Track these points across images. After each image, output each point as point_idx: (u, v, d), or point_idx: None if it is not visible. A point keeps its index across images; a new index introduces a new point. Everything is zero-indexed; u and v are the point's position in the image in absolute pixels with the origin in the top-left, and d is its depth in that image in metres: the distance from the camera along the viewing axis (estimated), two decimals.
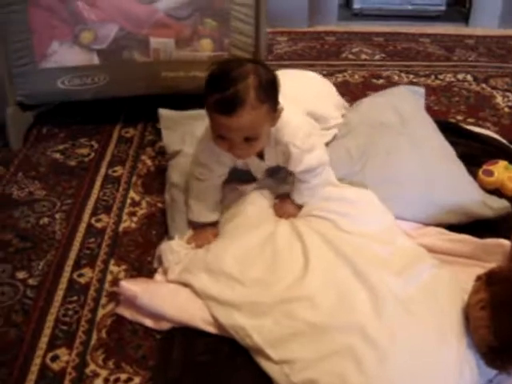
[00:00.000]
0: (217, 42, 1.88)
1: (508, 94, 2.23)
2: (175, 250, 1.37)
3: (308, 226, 1.37)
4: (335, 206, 1.41)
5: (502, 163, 1.71)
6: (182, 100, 1.75)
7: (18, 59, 1.81)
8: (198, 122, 1.59)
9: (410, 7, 2.92)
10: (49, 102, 1.97)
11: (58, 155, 1.88)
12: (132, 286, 1.28)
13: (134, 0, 1.81)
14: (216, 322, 1.22)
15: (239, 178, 1.51)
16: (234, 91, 1.17)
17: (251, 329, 1.16)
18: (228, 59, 1.47)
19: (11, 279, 1.41)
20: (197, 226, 1.45)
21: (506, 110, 2.12)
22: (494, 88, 2.28)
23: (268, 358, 1.13)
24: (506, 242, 1.34)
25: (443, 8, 2.93)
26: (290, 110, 1.34)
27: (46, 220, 1.59)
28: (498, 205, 1.46)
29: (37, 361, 1.21)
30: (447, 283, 1.23)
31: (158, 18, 1.82)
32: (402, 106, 1.71)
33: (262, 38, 1.86)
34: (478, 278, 1.17)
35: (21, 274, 1.42)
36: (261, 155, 1.40)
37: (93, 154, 1.88)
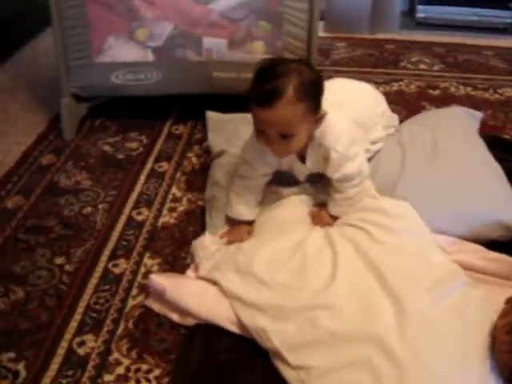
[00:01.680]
0: (269, 45, 1.89)
1: None
2: (206, 245, 1.39)
3: (341, 234, 1.36)
4: (371, 217, 1.39)
5: None
6: (232, 101, 1.77)
7: (74, 52, 1.87)
8: (243, 125, 1.61)
9: (475, 18, 2.84)
10: (102, 96, 2.02)
11: (107, 147, 1.93)
12: (161, 280, 1.30)
13: (190, 0, 1.83)
14: (239, 322, 1.22)
15: (282, 182, 1.51)
16: (273, 85, 1.20)
17: (272, 332, 1.16)
18: (274, 58, 1.48)
19: (49, 264, 1.45)
20: (233, 223, 1.46)
21: None
22: None
23: (286, 362, 1.13)
24: None
25: (510, 21, 2.84)
26: (335, 116, 1.34)
27: (88, 210, 1.64)
28: None
29: (64, 344, 1.25)
30: (478, 303, 1.19)
31: (212, 19, 1.84)
32: (454, 129, 1.68)
33: (314, 43, 1.85)
34: (508, 301, 1.13)
35: (59, 260, 1.47)
36: (303, 159, 1.40)
37: (141, 149, 1.92)
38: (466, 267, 1.32)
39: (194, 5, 1.84)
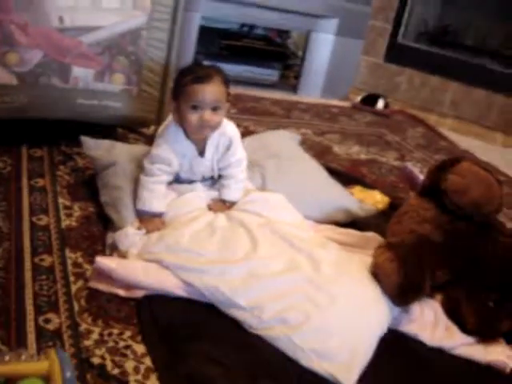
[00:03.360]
0: (128, 77, 2.16)
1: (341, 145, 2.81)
2: (130, 234, 1.60)
3: (240, 216, 1.70)
4: (258, 205, 1.76)
5: (357, 187, 2.23)
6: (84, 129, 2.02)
7: None
8: (118, 145, 1.92)
9: (249, 75, 3.45)
10: None
11: None
12: (107, 261, 1.48)
13: (61, 32, 2.02)
14: (186, 287, 1.46)
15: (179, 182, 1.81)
16: (208, 70, 1.67)
17: (222, 286, 1.43)
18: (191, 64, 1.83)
19: None
20: (145, 216, 1.69)
21: (344, 156, 2.69)
22: (330, 140, 2.85)
23: (239, 307, 1.41)
24: (377, 235, 1.82)
25: (275, 78, 3.51)
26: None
27: None
28: (367, 208, 1.96)
29: (30, 324, 1.33)
30: (350, 256, 1.65)
31: (82, 50, 2.05)
32: (287, 143, 2.17)
33: (169, 77, 2.18)
34: (379, 247, 1.61)
35: None
36: (202, 154, 1.75)
37: (9, 168, 1.99)
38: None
39: (64, 36, 2.03)
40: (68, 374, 0.95)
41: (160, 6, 2.14)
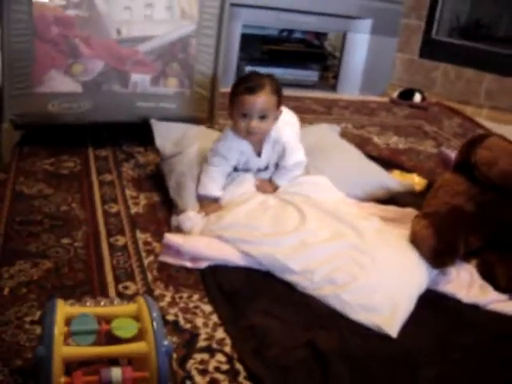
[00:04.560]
0: (180, 81, 2.38)
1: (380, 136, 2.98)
2: (192, 217, 1.80)
3: (289, 197, 1.89)
4: (304, 187, 1.95)
5: (396, 171, 2.39)
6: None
7: (17, 82, 2.14)
8: (189, 130, 2.09)
9: (290, 77, 3.64)
10: (38, 123, 2.28)
11: (47, 166, 2.20)
12: (175, 238, 1.69)
13: (119, 43, 2.25)
14: (245, 257, 1.66)
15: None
16: (259, 81, 1.82)
17: (277, 254, 1.62)
18: (251, 71, 2.03)
19: (59, 243, 1.72)
20: (204, 201, 1.89)
21: (383, 146, 2.85)
22: (370, 132, 3.02)
23: (292, 271, 1.60)
24: (415, 211, 1.97)
25: (315, 79, 3.70)
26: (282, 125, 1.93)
27: (65, 207, 1.92)
28: (406, 184, 2.15)
29: (111, 290, 1.54)
30: (390, 228, 1.82)
31: (138, 58, 2.28)
32: (327, 134, 2.35)
33: (218, 80, 2.39)
34: (416, 217, 1.77)
35: (66, 240, 1.74)
36: (259, 154, 1.93)
37: (79, 167, 2.23)
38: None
39: (122, 47, 2.27)
40: (155, 314, 1.14)
41: (207, 15, 2.35)
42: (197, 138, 2.10)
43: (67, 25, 2.19)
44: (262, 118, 1.83)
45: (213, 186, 1.90)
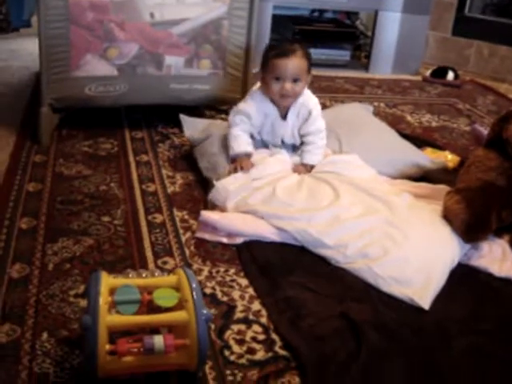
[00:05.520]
0: (214, 62, 2.41)
1: (413, 114, 2.98)
2: (221, 188, 1.84)
3: (323, 176, 1.92)
4: (337, 166, 1.97)
5: (429, 149, 2.39)
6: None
7: (55, 67, 2.20)
8: (212, 125, 2.19)
9: (323, 57, 3.64)
10: (75, 107, 2.35)
11: (86, 148, 2.26)
12: (211, 214, 1.74)
13: (152, 26, 2.29)
14: (279, 232, 1.70)
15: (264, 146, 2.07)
16: (291, 46, 1.92)
17: (310, 229, 1.66)
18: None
19: (99, 221, 1.78)
20: (236, 158, 1.95)
21: (416, 124, 2.85)
22: (402, 111, 3.02)
23: (326, 246, 1.63)
24: (448, 187, 1.98)
25: (347, 58, 3.70)
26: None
27: (104, 187, 1.98)
28: (438, 161, 2.14)
29: (151, 265, 1.60)
30: (422, 204, 1.83)
31: (172, 41, 2.32)
32: (360, 112, 2.37)
33: (250, 60, 2.42)
34: (448, 193, 1.78)
35: (105, 218, 1.80)
36: (285, 117, 1.97)
37: (116, 148, 2.29)
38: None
39: (155, 30, 2.31)
40: (194, 285, 1.19)
41: None
42: (223, 124, 2.18)
43: (102, 10, 2.24)
44: (295, 80, 1.90)
45: (241, 143, 1.96)
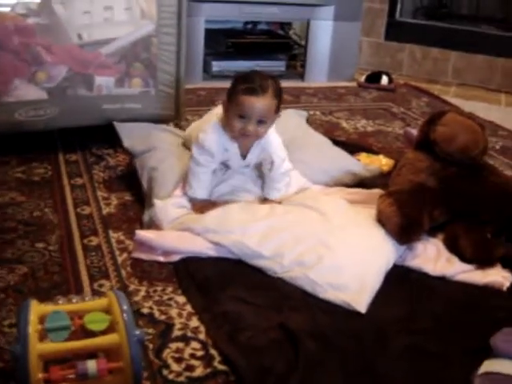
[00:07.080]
0: (145, 81, 2.41)
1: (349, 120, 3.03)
2: (169, 211, 1.82)
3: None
4: None
5: (363, 154, 2.44)
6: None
7: None
8: (153, 129, 2.12)
9: (257, 68, 3.66)
10: (7, 132, 2.30)
11: (19, 174, 2.22)
12: (146, 233, 1.72)
13: (81, 47, 2.27)
14: (215, 247, 1.70)
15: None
16: (262, 83, 1.74)
17: (247, 240, 1.66)
18: (252, 70, 1.92)
19: (34, 248, 1.75)
20: (196, 202, 1.89)
21: (352, 130, 2.90)
22: (338, 118, 3.06)
23: (263, 257, 1.64)
24: (382, 191, 2.02)
25: (283, 69, 3.74)
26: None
27: (38, 213, 1.94)
28: (371, 168, 2.17)
29: (87, 289, 1.58)
30: (357, 210, 1.87)
31: (101, 61, 2.30)
32: (294, 120, 2.40)
33: (181, 80, 2.42)
34: (381, 196, 1.82)
35: (40, 245, 1.77)
36: (244, 157, 1.91)
37: (50, 172, 2.25)
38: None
39: (84, 51, 2.29)
40: (125, 306, 1.18)
41: (165, 14, 2.38)
42: (164, 133, 2.16)
43: (28, 33, 2.21)
44: (260, 122, 1.76)
45: (203, 189, 1.89)
